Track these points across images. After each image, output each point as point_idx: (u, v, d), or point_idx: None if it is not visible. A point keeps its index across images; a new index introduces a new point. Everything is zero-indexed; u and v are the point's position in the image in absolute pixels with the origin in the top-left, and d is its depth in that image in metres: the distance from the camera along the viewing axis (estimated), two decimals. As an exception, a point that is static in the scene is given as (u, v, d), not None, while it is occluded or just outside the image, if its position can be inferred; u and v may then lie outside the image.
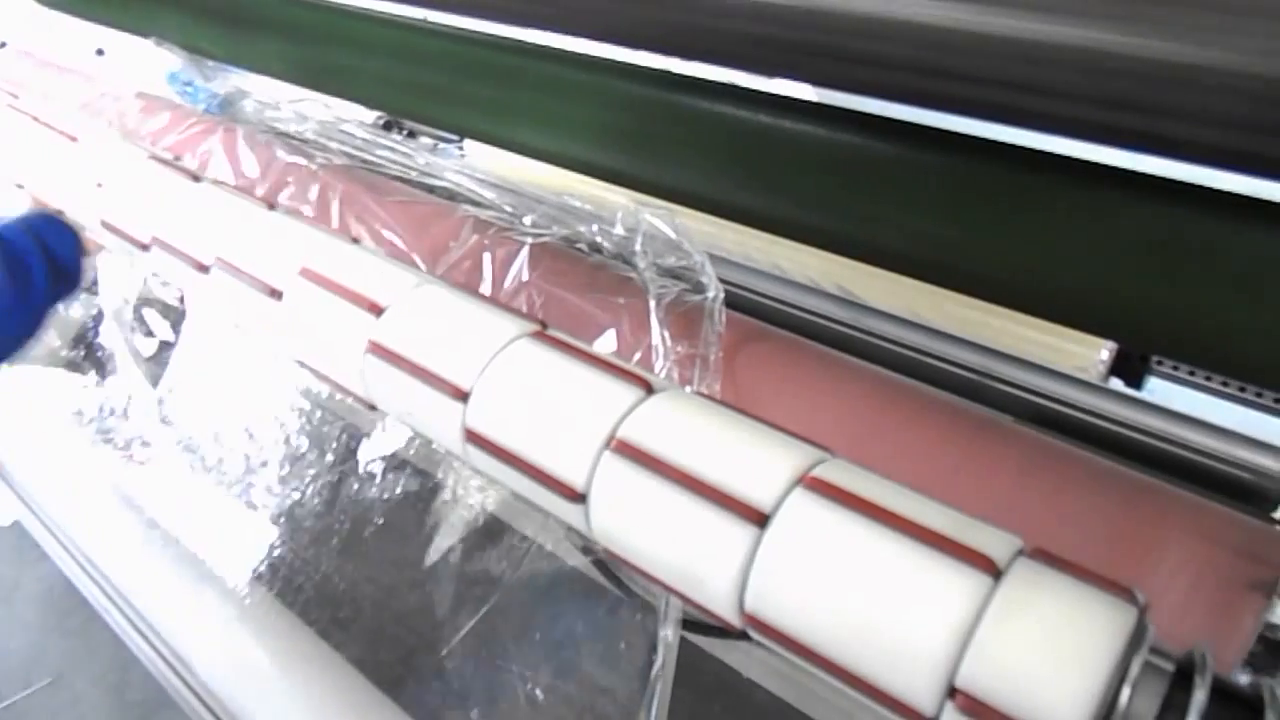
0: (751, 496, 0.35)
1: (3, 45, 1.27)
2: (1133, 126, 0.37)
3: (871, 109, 0.54)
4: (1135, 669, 0.28)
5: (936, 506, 0.34)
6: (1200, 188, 0.44)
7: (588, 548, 0.70)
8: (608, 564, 0.71)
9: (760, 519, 0.34)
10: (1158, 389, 0.78)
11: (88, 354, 1.26)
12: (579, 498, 0.39)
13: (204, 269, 0.54)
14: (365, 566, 0.86)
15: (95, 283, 1.21)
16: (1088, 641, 0.28)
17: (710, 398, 0.41)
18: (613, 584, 0.71)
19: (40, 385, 1.22)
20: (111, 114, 0.98)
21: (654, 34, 0.54)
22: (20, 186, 0.72)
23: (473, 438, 0.42)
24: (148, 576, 0.95)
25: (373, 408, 0.49)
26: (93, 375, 1.23)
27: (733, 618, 0.36)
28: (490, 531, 0.74)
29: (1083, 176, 0.47)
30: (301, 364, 0.51)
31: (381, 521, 0.82)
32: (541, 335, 0.44)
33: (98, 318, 1.26)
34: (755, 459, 0.36)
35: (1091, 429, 0.68)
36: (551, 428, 0.40)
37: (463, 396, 0.42)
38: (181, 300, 1.08)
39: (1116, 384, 0.80)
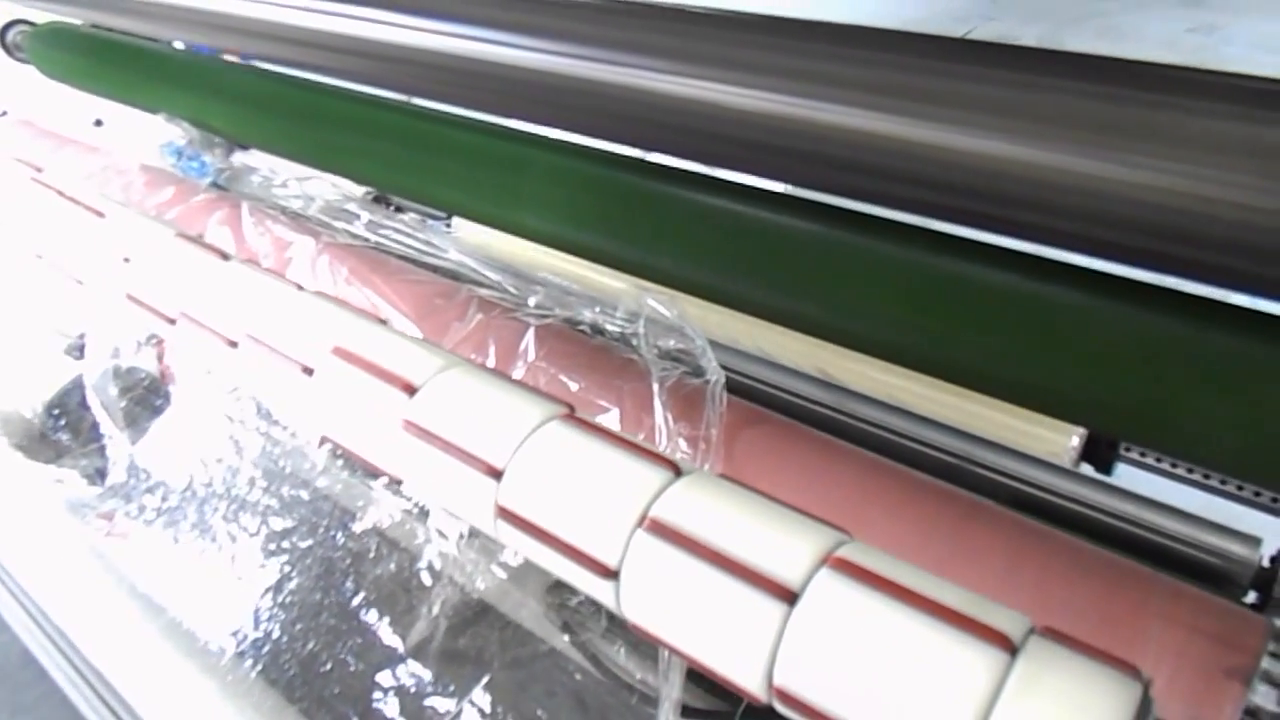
0: (781, 575, 0.37)
1: (3, 114, 1.29)
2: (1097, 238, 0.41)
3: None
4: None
5: (951, 586, 0.37)
6: (1172, 290, 0.49)
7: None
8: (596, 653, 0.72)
9: (789, 596, 0.37)
10: (1126, 475, 0.81)
11: (65, 419, 1.25)
12: (611, 574, 0.41)
13: (233, 344, 0.56)
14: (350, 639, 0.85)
15: (78, 348, 1.21)
16: (1099, 715, 0.31)
17: (733, 480, 0.44)
18: (600, 671, 0.72)
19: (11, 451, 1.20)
20: (116, 186, 1.00)
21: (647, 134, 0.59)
22: (39, 257, 0.73)
23: (504, 514, 0.44)
24: (121, 648, 0.93)
25: (399, 483, 0.50)
26: (69, 440, 1.21)
27: (761, 692, 0.38)
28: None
29: (1054, 273, 0.52)
30: (329, 439, 0.53)
31: (371, 597, 0.82)
32: (571, 418, 0.46)
33: (77, 383, 1.25)
34: (782, 539, 0.38)
35: (1064, 512, 0.71)
36: (584, 507, 0.42)
37: (496, 475, 0.44)
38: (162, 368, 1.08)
39: (1087, 469, 0.83)
